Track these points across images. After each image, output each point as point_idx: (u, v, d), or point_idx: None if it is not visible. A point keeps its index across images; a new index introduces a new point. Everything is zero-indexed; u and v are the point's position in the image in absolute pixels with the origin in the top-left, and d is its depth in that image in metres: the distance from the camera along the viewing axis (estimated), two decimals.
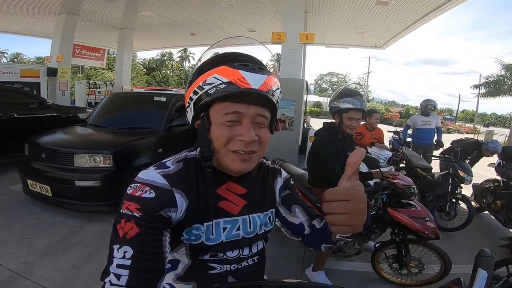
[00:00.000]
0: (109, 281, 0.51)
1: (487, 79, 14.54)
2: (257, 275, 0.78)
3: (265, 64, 0.68)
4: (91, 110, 4.68)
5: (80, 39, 11.37)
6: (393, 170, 3.30)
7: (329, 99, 2.20)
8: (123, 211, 0.56)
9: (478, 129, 21.32)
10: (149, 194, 0.57)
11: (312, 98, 33.62)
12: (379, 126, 4.27)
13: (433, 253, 2.02)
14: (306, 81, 7.24)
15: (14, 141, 3.97)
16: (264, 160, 0.81)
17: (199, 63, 0.65)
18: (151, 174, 0.61)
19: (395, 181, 2.00)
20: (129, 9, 8.65)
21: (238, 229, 0.69)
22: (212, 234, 0.66)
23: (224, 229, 0.67)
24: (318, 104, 28.75)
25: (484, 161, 3.95)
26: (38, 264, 2.16)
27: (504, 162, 3.63)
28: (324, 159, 1.97)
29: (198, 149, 0.68)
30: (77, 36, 9.40)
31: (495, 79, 13.84)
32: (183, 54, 41.84)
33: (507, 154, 3.66)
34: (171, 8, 8.21)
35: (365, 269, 2.32)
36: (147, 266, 0.54)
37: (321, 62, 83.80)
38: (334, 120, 2.03)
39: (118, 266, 0.52)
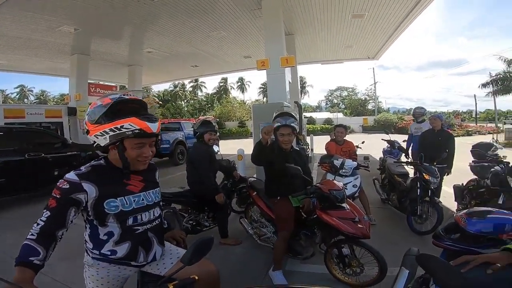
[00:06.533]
0: (33, 226, 1.01)
1: (494, 76, 14.09)
2: (161, 231, 1.28)
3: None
4: None
5: (96, 77, 12.40)
6: (359, 179, 3.40)
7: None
8: (52, 194, 1.04)
9: (501, 128, 19.90)
10: (65, 185, 1.05)
11: (323, 115, 32.56)
12: (349, 138, 4.13)
13: (369, 253, 2.07)
14: (297, 102, 7.54)
15: (43, 176, 4.95)
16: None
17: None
18: (69, 174, 1.08)
19: (321, 186, 2.19)
20: (133, 47, 9.54)
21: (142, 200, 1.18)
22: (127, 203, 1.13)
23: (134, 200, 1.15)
24: (328, 121, 26.77)
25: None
26: None
27: (475, 161, 3.62)
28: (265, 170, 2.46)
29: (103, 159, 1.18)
30: (92, 75, 10.17)
31: (502, 76, 13.45)
32: (195, 84, 42.96)
33: (476, 152, 3.70)
34: (168, 43, 9.01)
35: (323, 271, 2.39)
36: (53, 224, 1.01)
37: (331, 78, 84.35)
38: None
39: (40, 220, 1.01)
